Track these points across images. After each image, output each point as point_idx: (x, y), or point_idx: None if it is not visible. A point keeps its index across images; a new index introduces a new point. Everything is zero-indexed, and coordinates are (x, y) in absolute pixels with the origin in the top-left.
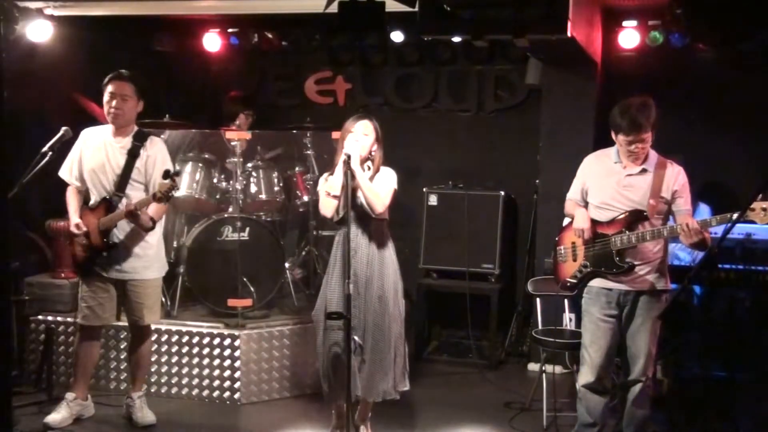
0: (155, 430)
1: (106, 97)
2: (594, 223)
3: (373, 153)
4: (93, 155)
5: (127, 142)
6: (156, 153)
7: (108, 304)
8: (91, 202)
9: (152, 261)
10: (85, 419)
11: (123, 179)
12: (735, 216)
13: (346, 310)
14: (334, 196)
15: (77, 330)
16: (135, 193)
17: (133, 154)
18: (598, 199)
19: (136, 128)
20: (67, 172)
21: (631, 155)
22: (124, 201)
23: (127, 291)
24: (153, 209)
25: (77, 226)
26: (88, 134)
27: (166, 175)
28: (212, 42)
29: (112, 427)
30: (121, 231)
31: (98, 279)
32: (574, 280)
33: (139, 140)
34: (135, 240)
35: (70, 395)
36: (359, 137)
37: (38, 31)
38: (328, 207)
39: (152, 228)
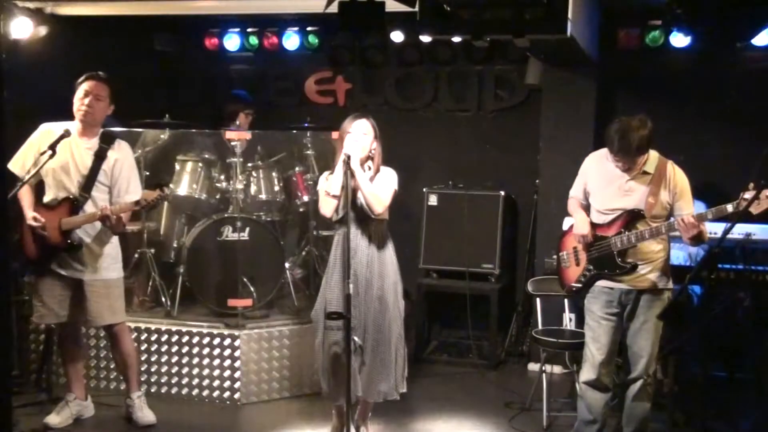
0: (155, 430)
1: (79, 94)
2: (594, 226)
3: (372, 152)
4: (57, 153)
5: (93, 143)
6: (124, 157)
7: (66, 302)
8: (48, 198)
9: (111, 261)
10: (85, 419)
11: (89, 181)
12: (729, 207)
13: (346, 310)
14: (334, 196)
15: (59, 332)
16: (99, 195)
17: (100, 156)
18: (599, 202)
19: (101, 130)
20: (18, 166)
21: (619, 168)
22: (89, 202)
23: (85, 291)
24: (125, 215)
25: (35, 218)
26: (48, 130)
27: (158, 185)
28: (212, 42)
29: (112, 427)
30: (83, 230)
31: (56, 277)
32: (579, 285)
33: (106, 142)
34: (96, 239)
35: (70, 395)
36: (358, 137)
37: (38, 31)
38: (327, 206)
39: (122, 231)
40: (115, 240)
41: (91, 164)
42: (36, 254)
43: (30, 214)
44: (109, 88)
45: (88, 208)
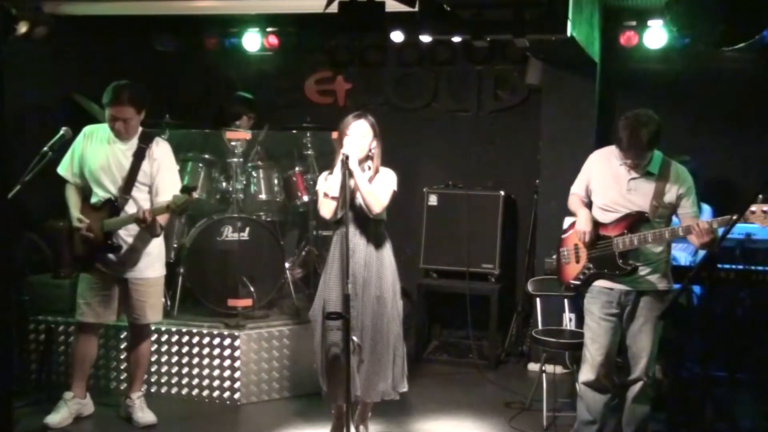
0: (155, 430)
1: (108, 117)
2: (597, 224)
3: (372, 151)
4: (96, 154)
5: (132, 144)
6: (162, 156)
7: (109, 301)
8: (93, 200)
9: (155, 260)
10: (85, 418)
11: (129, 182)
12: (735, 218)
13: (345, 310)
14: (332, 198)
15: (76, 328)
16: (140, 195)
17: (138, 157)
18: (602, 201)
19: (141, 130)
20: (65, 169)
21: (627, 165)
22: (130, 203)
23: (129, 289)
24: (162, 217)
25: (79, 219)
26: (90, 132)
27: (185, 190)
28: (212, 42)
29: (111, 427)
30: (125, 230)
31: (100, 276)
32: (578, 282)
33: (145, 142)
34: (139, 239)
35: (68, 394)
36: (357, 138)
37: (38, 31)
38: (326, 208)
39: (159, 234)
40: (158, 239)
41: (130, 165)
42: (82, 253)
43: (75, 215)
44: (134, 105)
45: (130, 208)
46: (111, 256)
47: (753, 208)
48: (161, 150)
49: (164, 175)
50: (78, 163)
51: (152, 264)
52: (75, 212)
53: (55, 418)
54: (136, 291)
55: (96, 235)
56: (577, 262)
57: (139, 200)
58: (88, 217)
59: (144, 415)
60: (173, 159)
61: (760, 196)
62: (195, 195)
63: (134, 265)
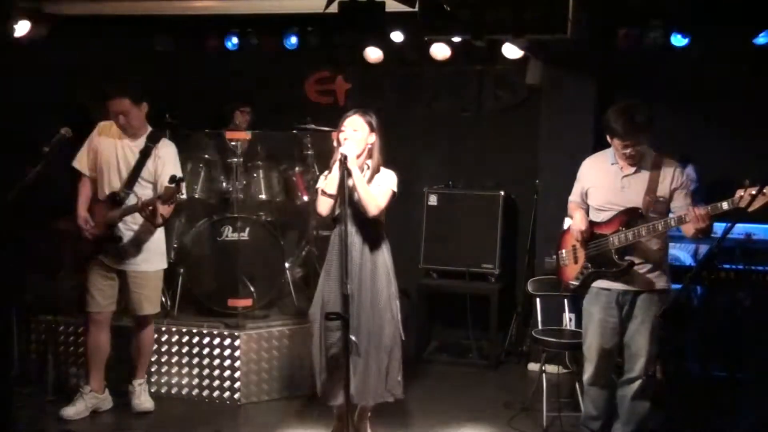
0: (155, 429)
1: (111, 114)
2: (593, 224)
3: (370, 145)
4: (106, 149)
5: (140, 142)
6: (166, 154)
7: (108, 291)
8: (100, 194)
9: (153, 254)
10: (101, 413)
11: (132, 177)
12: (725, 204)
13: (345, 310)
14: (330, 195)
15: (88, 322)
16: (143, 191)
17: (144, 154)
18: (597, 201)
19: (150, 129)
20: (78, 162)
21: (628, 159)
22: (131, 198)
23: (127, 281)
24: (163, 208)
25: (85, 220)
26: (103, 128)
27: (172, 180)
28: (212, 42)
29: (123, 422)
30: (125, 224)
31: (101, 267)
32: (577, 282)
33: (153, 141)
34: (138, 233)
35: (86, 388)
36: (349, 134)
37: (37, 31)
38: (323, 205)
39: (162, 225)
40: (155, 233)
41: (135, 162)
42: (88, 246)
43: (82, 215)
44: (130, 96)
45: (131, 203)
46: (112, 247)
47: (742, 192)
48: (167, 150)
49: (168, 172)
50: (92, 156)
51: (149, 258)
52: (82, 211)
53: (70, 411)
54: (133, 283)
55: (100, 229)
56: (576, 262)
57: (142, 196)
58: (93, 209)
59: (141, 402)
60: (178, 159)
61: (747, 180)
62: (183, 186)
63: (133, 258)
